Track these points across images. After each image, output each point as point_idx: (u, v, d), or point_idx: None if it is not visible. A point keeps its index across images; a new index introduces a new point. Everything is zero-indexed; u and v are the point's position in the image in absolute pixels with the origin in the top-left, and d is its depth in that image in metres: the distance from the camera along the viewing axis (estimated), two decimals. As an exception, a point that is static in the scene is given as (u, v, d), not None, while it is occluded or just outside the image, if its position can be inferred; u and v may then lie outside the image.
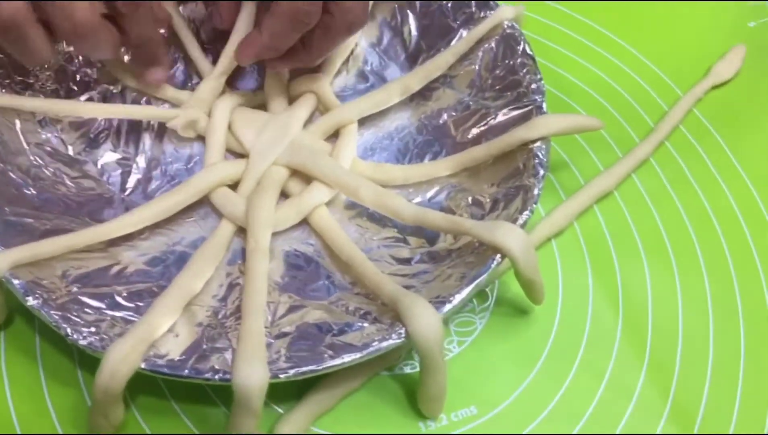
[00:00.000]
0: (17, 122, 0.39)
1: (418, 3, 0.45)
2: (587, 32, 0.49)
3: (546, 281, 0.37)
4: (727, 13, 0.51)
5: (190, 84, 0.44)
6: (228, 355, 0.33)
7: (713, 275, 0.41)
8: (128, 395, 0.35)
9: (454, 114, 0.43)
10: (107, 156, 0.41)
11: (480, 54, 0.43)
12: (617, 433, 0.36)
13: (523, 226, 0.36)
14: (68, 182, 0.39)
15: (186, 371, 0.31)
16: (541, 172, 0.37)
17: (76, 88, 0.42)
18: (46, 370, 0.36)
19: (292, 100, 0.43)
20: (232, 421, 0.32)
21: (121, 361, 0.31)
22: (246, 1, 0.41)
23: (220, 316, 0.35)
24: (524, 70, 0.41)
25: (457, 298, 0.33)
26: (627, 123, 0.46)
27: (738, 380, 0.37)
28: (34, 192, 0.38)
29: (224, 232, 0.39)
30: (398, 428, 0.35)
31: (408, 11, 0.45)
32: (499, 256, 0.34)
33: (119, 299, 0.35)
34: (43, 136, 0.40)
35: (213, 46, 0.45)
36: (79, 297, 0.34)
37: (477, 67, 0.43)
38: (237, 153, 0.42)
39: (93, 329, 0.32)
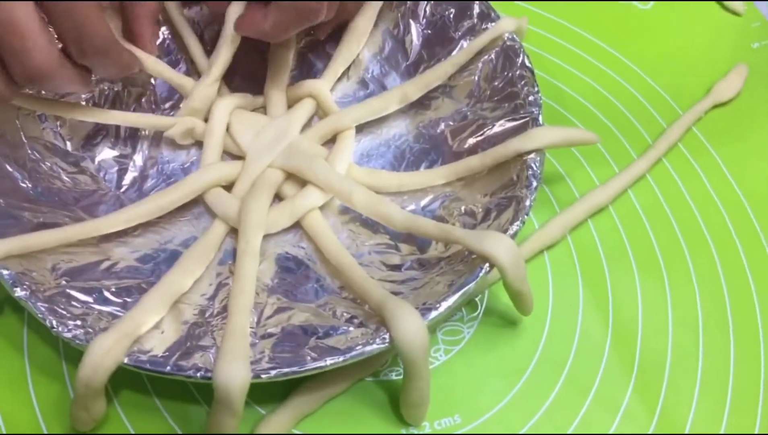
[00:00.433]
0: (17, 117, 0.39)
1: (421, 13, 0.45)
2: (588, 47, 0.50)
3: (536, 293, 0.37)
4: (730, 33, 0.51)
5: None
6: (212, 354, 0.33)
7: (705, 294, 0.40)
8: (111, 390, 0.35)
9: (451, 123, 0.43)
10: (105, 153, 0.42)
11: (480, 65, 0.43)
12: (601, 448, 0.35)
13: (513, 236, 0.36)
14: (64, 177, 0.40)
15: (168, 368, 0.32)
16: (534, 183, 0.37)
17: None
18: (32, 362, 0.36)
19: (291, 104, 0.44)
20: (212, 420, 0.32)
21: (104, 354, 0.31)
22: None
23: (207, 315, 0.36)
24: (522, 82, 0.41)
25: (444, 306, 0.33)
26: (625, 138, 0.46)
27: (726, 397, 0.37)
28: (29, 185, 0.38)
29: (216, 232, 0.39)
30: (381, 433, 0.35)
31: (411, 21, 0.46)
32: (487, 265, 0.34)
33: (107, 294, 0.35)
34: (43, 131, 0.40)
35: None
36: (68, 290, 0.34)
37: (476, 78, 0.43)
38: (234, 155, 0.42)
39: (79, 322, 0.32)
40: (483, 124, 0.42)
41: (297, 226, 0.40)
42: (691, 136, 0.46)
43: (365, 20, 0.45)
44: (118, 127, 0.42)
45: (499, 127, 0.41)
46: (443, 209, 0.40)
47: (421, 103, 0.44)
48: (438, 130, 0.43)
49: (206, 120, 0.42)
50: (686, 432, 0.36)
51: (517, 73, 0.41)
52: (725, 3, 0.52)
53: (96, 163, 0.41)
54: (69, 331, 0.32)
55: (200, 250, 0.37)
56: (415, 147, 0.43)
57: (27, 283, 0.33)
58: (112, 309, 0.35)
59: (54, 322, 0.32)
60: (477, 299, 0.40)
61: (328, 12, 0.39)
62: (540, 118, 0.40)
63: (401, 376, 0.37)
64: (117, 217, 0.37)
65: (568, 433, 0.36)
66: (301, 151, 0.41)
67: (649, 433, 0.36)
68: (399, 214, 0.38)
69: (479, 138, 0.42)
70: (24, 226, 0.36)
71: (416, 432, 0.35)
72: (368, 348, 0.32)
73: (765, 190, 0.44)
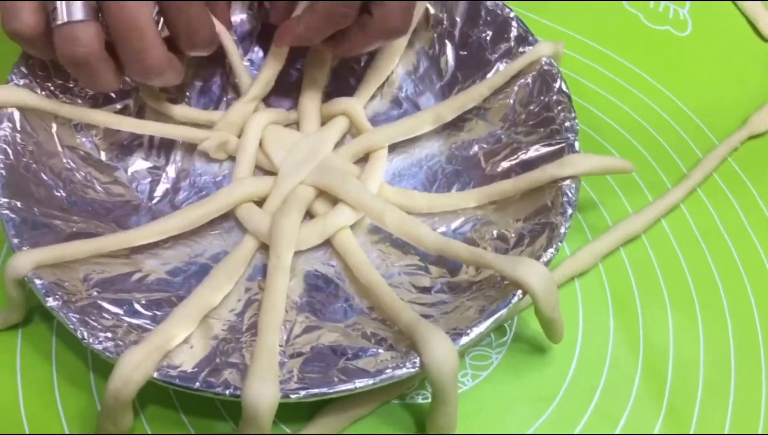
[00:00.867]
0: (54, 125, 0.40)
1: (457, 34, 0.45)
2: (624, 73, 0.49)
3: (566, 321, 0.37)
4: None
5: (225, 98, 0.45)
6: (241, 371, 0.33)
7: (738, 329, 0.40)
8: (137, 403, 0.35)
9: (485, 146, 0.43)
10: (138, 164, 0.42)
11: (515, 88, 0.43)
12: (629, 482, 0.35)
13: (546, 263, 0.35)
14: (98, 187, 0.40)
15: (197, 384, 0.31)
16: (569, 210, 0.37)
17: (113, 94, 0.43)
18: (60, 371, 0.36)
19: (324, 121, 0.44)
20: (239, 438, 0.32)
21: (135, 368, 0.31)
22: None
23: (235, 331, 0.35)
24: (559, 108, 0.41)
25: (475, 332, 0.33)
26: (659, 167, 0.45)
27: (758, 437, 0.36)
28: (63, 194, 0.38)
29: (247, 247, 0.39)
30: (406, 459, 0.35)
31: (447, 41, 0.45)
32: (520, 292, 0.34)
33: (137, 306, 0.35)
34: (78, 140, 0.41)
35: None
36: (99, 301, 0.34)
37: (511, 102, 0.43)
38: (266, 170, 0.42)
39: (109, 335, 0.32)
40: (517, 148, 0.42)
41: (327, 243, 0.40)
42: (727, 167, 0.46)
43: (399, 39, 0.45)
44: (151, 139, 0.42)
45: (533, 152, 0.41)
46: (474, 232, 0.40)
47: (455, 125, 0.44)
48: (471, 152, 0.43)
49: (240, 135, 0.42)
50: (716, 469, 0.35)
51: (554, 98, 0.41)
52: (761, 29, 0.52)
53: (129, 173, 0.42)
54: (100, 343, 0.32)
55: (230, 266, 0.37)
56: (448, 168, 0.43)
57: (59, 293, 0.33)
58: (141, 322, 0.35)
59: (85, 334, 0.32)
60: (506, 324, 0.39)
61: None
62: (576, 144, 0.39)
63: (428, 400, 0.36)
64: (149, 229, 0.38)
65: (596, 465, 0.35)
66: (334, 168, 0.41)
67: (679, 469, 0.35)
68: (431, 237, 0.38)
69: (513, 162, 0.42)
70: (57, 236, 0.36)
71: (442, 458, 0.35)
72: (398, 372, 0.32)
73: (801, 224, 0.44)
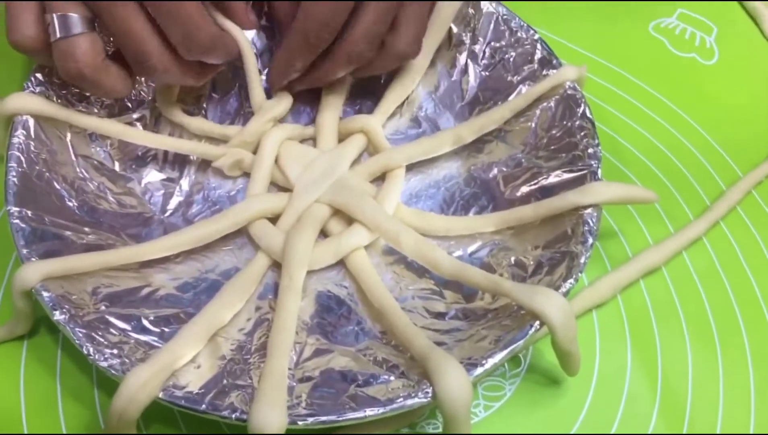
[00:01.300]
0: (68, 134, 0.39)
1: (480, 54, 0.44)
2: (648, 100, 0.48)
3: (583, 353, 0.36)
4: (796, 97, 0.50)
5: (242, 111, 0.44)
6: (248, 394, 0.32)
7: (759, 366, 0.39)
8: (142, 422, 0.34)
9: (504, 169, 0.42)
10: (152, 175, 0.41)
11: (537, 112, 0.42)
12: None
13: (565, 294, 0.34)
14: (110, 198, 0.39)
15: (203, 406, 0.31)
16: (590, 240, 0.36)
17: (129, 104, 0.42)
18: (64, 385, 0.35)
19: (342, 138, 0.43)
20: (245, 463, 0.31)
21: (140, 388, 0.30)
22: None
23: (244, 352, 0.35)
24: (582, 134, 0.40)
25: (490, 363, 0.32)
26: (682, 198, 0.44)
27: (777, 481, 0.35)
28: (75, 204, 0.38)
29: (259, 264, 0.38)
30: (414, 490, 0.34)
31: (469, 61, 0.45)
32: (537, 323, 0.33)
33: (145, 323, 0.34)
34: (92, 150, 0.40)
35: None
36: (106, 316, 0.34)
37: (533, 125, 0.42)
38: (281, 186, 0.41)
39: (115, 351, 0.32)
40: (538, 172, 0.41)
41: (340, 263, 0.39)
42: (751, 200, 0.45)
43: (421, 57, 0.44)
44: (166, 150, 0.42)
45: (554, 178, 0.40)
46: (491, 257, 0.39)
47: (474, 146, 0.43)
48: (490, 175, 0.42)
49: (255, 151, 0.41)
50: None
51: (577, 123, 0.40)
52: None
53: (142, 185, 0.41)
54: (105, 359, 0.31)
55: (241, 283, 0.37)
56: (466, 190, 0.42)
57: (66, 306, 0.32)
58: (149, 338, 0.34)
59: (91, 350, 0.31)
60: (521, 354, 0.38)
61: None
62: (599, 172, 0.38)
63: (438, 430, 0.36)
64: (160, 243, 0.37)
65: (610, 504, 0.34)
66: (350, 187, 0.40)
67: None
68: (447, 261, 0.37)
69: (533, 186, 0.41)
70: (67, 247, 0.35)
71: (451, 491, 0.34)
72: (409, 401, 0.31)
73: (826, 262, 0.42)
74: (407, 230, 0.38)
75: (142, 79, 0.42)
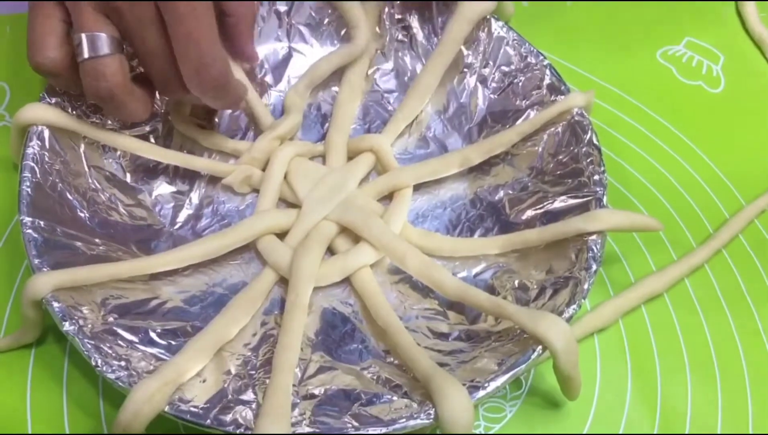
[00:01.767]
0: (82, 145, 0.40)
1: (490, 78, 0.45)
2: (654, 127, 0.49)
3: (584, 377, 0.36)
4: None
5: (252, 125, 0.45)
6: (253, 410, 0.32)
7: (758, 397, 0.39)
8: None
9: (510, 192, 0.43)
10: (163, 188, 0.42)
11: (545, 137, 0.42)
12: None
13: (568, 320, 0.35)
14: (121, 209, 0.40)
15: (208, 421, 0.31)
16: (594, 266, 0.36)
17: (143, 117, 0.43)
18: (70, 395, 0.36)
19: (351, 156, 0.44)
20: (247, 480, 0.31)
21: (146, 401, 0.31)
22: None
23: (249, 367, 0.35)
24: (588, 160, 0.40)
25: (492, 386, 0.33)
26: (685, 225, 0.45)
27: None
28: (87, 215, 0.38)
29: (266, 280, 0.38)
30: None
31: (479, 84, 0.45)
32: (540, 347, 0.34)
33: (153, 335, 0.35)
34: (104, 161, 0.41)
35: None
36: (114, 328, 0.34)
37: (540, 150, 0.42)
38: (290, 203, 0.42)
39: (123, 363, 0.32)
40: (543, 197, 0.41)
41: (346, 281, 0.40)
42: (754, 230, 0.45)
43: (430, 76, 0.45)
44: (177, 164, 0.42)
45: (560, 203, 0.40)
46: (495, 280, 0.40)
47: (481, 168, 0.44)
48: (496, 198, 0.43)
49: (264, 168, 0.42)
50: None
51: (584, 150, 0.41)
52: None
53: (153, 197, 0.41)
54: (113, 371, 0.32)
55: (248, 299, 0.37)
56: (472, 212, 0.43)
57: (75, 317, 0.33)
58: (156, 351, 0.34)
59: (99, 361, 0.32)
60: (522, 377, 0.39)
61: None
62: (604, 199, 0.39)
63: (439, 450, 0.36)
64: (169, 256, 0.37)
65: None
66: (358, 206, 0.40)
67: None
68: (451, 282, 0.38)
69: (538, 211, 0.41)
70: (77, 257, 0.36)
71: None
72: (412, 422, 0.32)
73: (827, 293, 0.43)
74: (413, 250, 0.39)
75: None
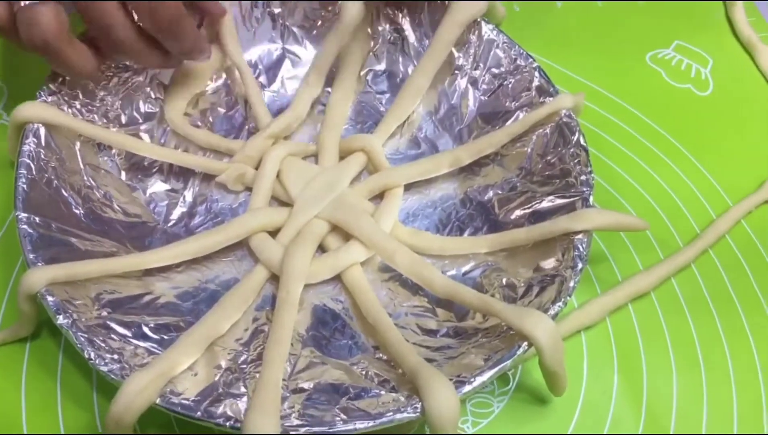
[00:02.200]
0: (77, 143, 0.40)
1: (480, 80, 0.46)
2: (643, 128, 0.49)
3: (570, 374, 0.37)
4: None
5: (247, 126, 0.45)
6: (242, 403, 0.33)
7: (743, 395, 0.39)
8: (138, 426, 0.35)
9: (500, 192, 0.43)
10: (157, 186, 0.42)
11: (534, 138, 0.43)
12: None
13: (554, 317, 0.35)
14: (116, 206, 0.40)
15: (198, 413, 0.32)
16: (580, 265, 0.37)
17: (138, 117, 0.43)
18: (64, 388, 0.36)
19: (343, 156, 0.44)
20: (236, 471, 0.32)
21: (138, 393, 0.31)
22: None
23: (240, 361, 0.36)
24: (576, 161, 0.41)
25: (478, 381, 0.33)
26: (673, 226, 0.45)
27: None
28: (81, 211, 0.39)
29: (258, 277, 0.39)
30: (400, 502, 0.35)
31: (469, 86, 0.46)
32: (525, 343, 0.34)
33: (146, 329, 0.35)
34: (100, 159, 0.41)
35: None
36: (108, 322, 0.35)
37: (529, 151, 0.43)
38: (282, 201, 0.42)
39: (116, 356, 0.33)
40: (532, 197, 0.42)
41: (337, 278, 0.40)
42: (740, 230, 0.46)
43: (422, 77, 0.45)
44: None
45: (547, 203, 0.41)
46: (484, 278, 0.40)
47: (471, 169, 0.44)
48: (485, 197, 0.43)
49: (258, 166, 0.43)
50: None
51: (571, 151, 0.41)
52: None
53: (147, 194, 0.42)
54: (106, 364, 0.32)
55: (240, 295, 0.38)
56: (462, 211, 0.43)
57: (69, 311, 0.33)
58: (149, 345, 0.35)
59: (92, 354, 0.32)
60: (509, 373, 0.39)
61: None
62: (590, 198, 0.40)
63: (426, 445, 0.36)
64: (163, 252, 0.38)
65: None
66: (349, 204, 0.41)
67: None
68: (440, 280, 0.38)
69: (526, 210, 0.42)
70: (72, 253, 0.36)
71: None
72: (398, 416, 0.32)
73: (812, 293, 0.43)
74: (402, 248, 0.39)
75: (150, 90, 0.43)
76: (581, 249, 0.37)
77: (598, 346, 0.40)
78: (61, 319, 0.33)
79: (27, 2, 0.35)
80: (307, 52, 0.48)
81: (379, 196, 0.43)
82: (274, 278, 0.39)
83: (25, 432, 0.35)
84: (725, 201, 0.47)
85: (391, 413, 0.32)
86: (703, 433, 0.38)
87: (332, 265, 0.40)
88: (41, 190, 0.37)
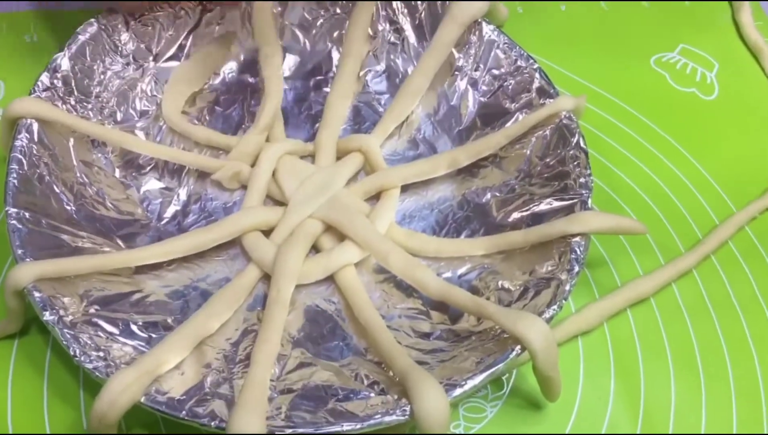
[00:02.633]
0: (71, 139, 0.40)
1: (480, 81, 0.45)
2: (646, 132, 0.49)
3: (566, 380, 0.36)
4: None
5: (243, 125, 0.45)
6: (229, 403, 0.32)
7: (742, 404, 0.39)
8: (124, 424, 0.35)
9: (498, 194, 0.43)
10: (151, 184, 0.42)
11: (533, 140, 0.42)
12: None
13: (548, 320, 0.35)
14: (108, 203, 0.40)
15: (183, 413, 0.31)
16: (576, 268, 0.36)
17: (134, 114, 0.43)
18: (51, 385, 0.36)
19: (340, 156, 0.44)
20: (220, 472, 0.31)
21: (122, 391, 0.31)
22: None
23: (228, 361, 0.35)
24: (575, 163, 0.40)
25: (469, 384, 0.33)
26: (674, 230, 0.44)
27: None
28: (73, 208, 0.38)
29: (249, 276, 0.39)
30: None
31: (469, 87, 0.45)
32: (519, 347, 0.34)
33: (134, 328, 0.35)
34: (93, 156, 0.41)
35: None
36: (95, 319, 0.34)
37: (528, 152, 0.42)
38: (276, 200, 0.42)
39: (101, 354, 0.32)
40: (530, 199, 0.41)
41: (330, 279, 0.40)
42: (743, 236, 0.45)
43: (421, 78, 0.45)
44: (166, 160, 0.43)
45: (545, 205, 0.40)
46: (479, 281, 0.40)
47: (469, 170, 0.44)
48: (483, 200, 0.43)
49: (254, 164, 0.42)
50: None
51: (571, 153, 0.41)
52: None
53: (141, 192, 0.42)
54: (91, 361, 0.32)
55: (230, 294, 0.37)
56: (459, 213, 0.43)
57: (56, 307, 0.33)
58: (136, 343, 0.34)
59: (77, 351, 0.32)
60: (503, 377, 0.39)
61: None
62: (589, 201, 0.39)
63: (417, 449, 0.36)
64: (154, 249, 0.38)
65: None
66: (344, 204, 0.41)
67: None
68: (434, 282, 0.38)
69: (524, 213, 0.41)
70: (62, 249, 0.36)
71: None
72: (387, 418, 0.32)
73: (816, 301, 0.42)
74: (397, 250, 0.39)
75: (147, 87, 0.43)
76: (578, 252, 0.37)
77: (595, 352, 0.40)
78: (47, 315, 0.33)
79: None
80: (306, 50, 0.47)
81: (375, 197, 0.43)
82: (267, 278, 0.39)
83: (9, 430, 0.35)
84: (729, 206, 0.46)
85: (379, 416, 0.32)
86: (702, 442, 0.37)
87: (325, 265, 0.39)
88: (32, 186, 0.37)
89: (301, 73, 0.47)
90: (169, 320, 0.36)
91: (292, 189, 0.41)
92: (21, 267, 0.33)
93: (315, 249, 0.41)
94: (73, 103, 0.41)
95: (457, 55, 0.46)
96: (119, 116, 0.43)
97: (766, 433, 0.38)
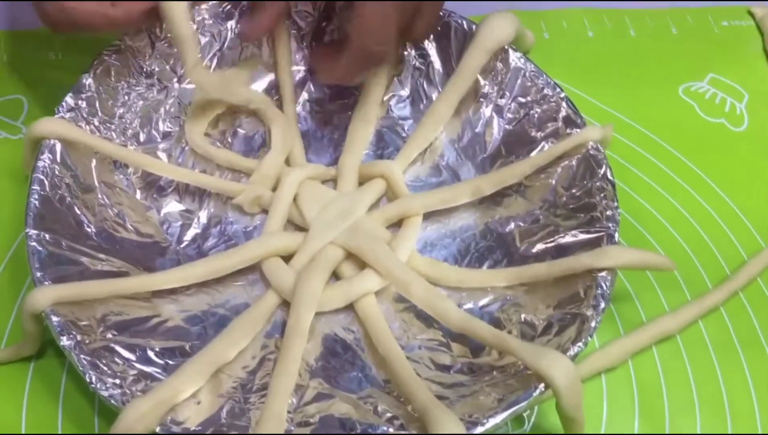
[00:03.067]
0: (93, 160, 0.40)
1: (505, 108, 0.44)
2: (673, 163, 0.48)
3: (589, 418, 0.35)
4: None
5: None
6: (245, 435, 0.32)
7: (771, 446, 0.38)
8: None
9: (521, 224, 0.42)
10: (172, 205, 0.42)
11: (559, 170, 0.42)
12: None
13: (573, 358, 0.34)
14: (129, 225, 0.40)
15: (198, 445, 0.31)
16: (602, 304, 0.35)
17: (157, 135, 0.43)
18: (66, 410, 0.36)
19: (362, 181, 0.43)
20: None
21: (138, 420, 0.30)
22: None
23: (245, 391, 0.35)
24: (602, 195, 0.39)
25: (491, 422, 0.32)
26: (702, 266, 0.43)
27: None
28: (93, 230, 0.38)
29: (268, 302, 0.38)
30: None
31: (494, 114, 0.45)
32: (542, 385, 0.33)
33: (150, 354, 0.35)
34: (115, 177, 0.41)
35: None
36: (112, 345, 0.34)
37: (553, 182, 0.42)
38: (298, 226, 0.42)
39: (118, 381, 0.32)
40: (555, 230, 0.40)
41: (350, 308, 0.39)
42: (773, 273, 0.44)
43: (446, 104, 0.44)
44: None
45: (571, 237, 0.40)
46: (502, 313, 0.39)
47: (493, 199, 0.43)
48: (507, 229, 0.42)
49: (274, 188, 0.42)
50: None
51: (597, 184, 0.40)
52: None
53: (161, 214, 0.41)
54: (107, 389, 0.31)
55: (249, 321, 0.37)
56: (481, 243, 0.42)
57: (74, 332, 0.33)
58: (152, 370, 0.34)
59: (94, 378, 0.32)
60: (525, 414, 0.38)
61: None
62: (616, 235, 0.38)
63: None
64: (173, 274, 0.37)
65: None
66: (365, 232, 0.40)
67: None
68: (455, 314, 0.37)
69: (549, 244, 0.40)
70: (81, 272, 0.36)
71: None
72: (405, 456, 0.31)
73: None
74: (418, 279, 0.38)
75: (170, 109, 0.43)
76: (604, 287, 0.36)
77: (619, 389, 0.39)
78: (64, 341, 0.32)
79: None
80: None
81: (397, 224, 0.42)
82: (286, 305, 0.38)
83: (23, 453, 0.34)
84: (757, 241, 0.45)
85: (397, 453, 0.31)
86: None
87: (345, 293, 0.39)
88: (53, 207, 0.37)
89: (324, 97, 0.47)
90: (187, 347, 0.36)
91: (313, 214, 0.41)
92: (39, 290, 0.33)
93: (335, 276, 0.40)
94: (96, 123, 0.40)
95: (482, 81, 0.45)
96: (142, 137, 0.42)
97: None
